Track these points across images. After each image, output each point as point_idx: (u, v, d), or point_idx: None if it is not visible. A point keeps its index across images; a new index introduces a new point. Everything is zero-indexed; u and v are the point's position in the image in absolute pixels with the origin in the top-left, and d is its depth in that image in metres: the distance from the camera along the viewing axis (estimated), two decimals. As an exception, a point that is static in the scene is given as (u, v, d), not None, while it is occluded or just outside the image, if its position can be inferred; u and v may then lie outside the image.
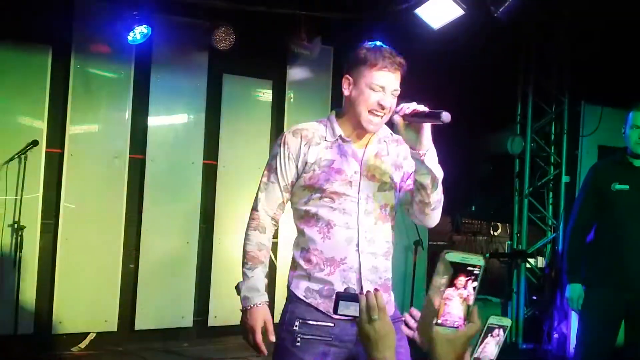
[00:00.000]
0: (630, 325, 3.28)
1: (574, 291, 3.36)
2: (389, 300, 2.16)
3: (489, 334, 1.37)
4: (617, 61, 5.30)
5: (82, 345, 4.93)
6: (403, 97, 2.10)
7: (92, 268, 4.95)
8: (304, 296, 2.11)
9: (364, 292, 2.03)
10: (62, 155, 4.89)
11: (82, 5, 4.91)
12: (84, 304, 4.91)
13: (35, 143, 4.61)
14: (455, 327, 1.27)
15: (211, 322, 5.46)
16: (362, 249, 2.10)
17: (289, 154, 2.15)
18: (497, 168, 6.46)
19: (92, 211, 4.96)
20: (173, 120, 5.37)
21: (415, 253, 5.70)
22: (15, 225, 4.59)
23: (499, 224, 7.20)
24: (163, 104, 5.29)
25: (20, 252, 4.55)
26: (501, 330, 1.38)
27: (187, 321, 5.37)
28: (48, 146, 4.85)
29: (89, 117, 5.01)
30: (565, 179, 6.09)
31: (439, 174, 2.04)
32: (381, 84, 2.07)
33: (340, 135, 2.14)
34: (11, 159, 4.60)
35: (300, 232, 2.18)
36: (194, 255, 5.40)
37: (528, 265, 6.14)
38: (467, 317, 1.27)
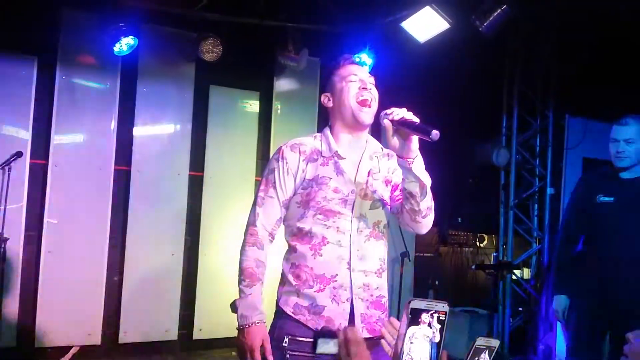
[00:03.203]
0: (615, 340, 3.26)
1: (559, 303, 3.37)
2: (382, 317, 2.13)
3: (475, 357, 1.35)
4: (602, 74, 5.37)
5: (66, 358, 4.87)
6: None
7: (76, 280, 4.89)
8: (293, 312, 2.09)
9: (356, 315, 2.05)
10: (46, 166, 4.85)
11: (68, 16, 4.89)
12: (67, 316, 4.85)
13: (19, 154, 4.55)
14: None
15: (196, 335, 5.41)
16: (353, 266, 2.09)
17: (287, 169, 2.15)
18: (482, 180, 6.50)
19: (76, 223, 4.91)
20: (159, 131, 5.35)
21: (402, 265, 5.70)
22: (-2, 237, 4.54)
23: (485, 235, 7.24)
24: (149, 115, 5.27)
25: (3, 263, 4.48)
26: (487, 352, 1.36)
27: (172, 334, 5.32)
28: (32, 157, 4.81)
29: (74, 128, 4.98)
30: (550, 190, 6.14)
31: (427, 181, 2.02)
32: (354, 73, 2.16)
33: (336, 152, 2.15)
34: (-6, 170, 4.56)
35: (292, 248, 2.16)
36: (179, 268, 5.36)
37: (514, 277, 6.17)
38: None
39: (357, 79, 2.16)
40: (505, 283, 6.09)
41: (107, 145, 5.07)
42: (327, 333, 1.38)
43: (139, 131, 5.22)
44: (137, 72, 5.18)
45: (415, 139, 1.92)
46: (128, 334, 5.11)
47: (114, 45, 4.70)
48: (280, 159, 2.17)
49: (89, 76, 5.00)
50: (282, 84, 5.85)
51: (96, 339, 4.98)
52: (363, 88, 2.13)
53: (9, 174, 4.52)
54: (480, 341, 1.35)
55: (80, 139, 5.02)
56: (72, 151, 4.96)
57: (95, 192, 5.01)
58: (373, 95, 2.15)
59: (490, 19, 4.57)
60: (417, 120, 1.92)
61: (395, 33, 4.83)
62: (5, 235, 4.51)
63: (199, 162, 5.48)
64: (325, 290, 2.07)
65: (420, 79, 5.64)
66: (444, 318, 1.26)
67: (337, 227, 2.09)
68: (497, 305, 6.03)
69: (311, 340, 2.03)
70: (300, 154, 2.16)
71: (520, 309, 6.20)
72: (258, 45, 5.36)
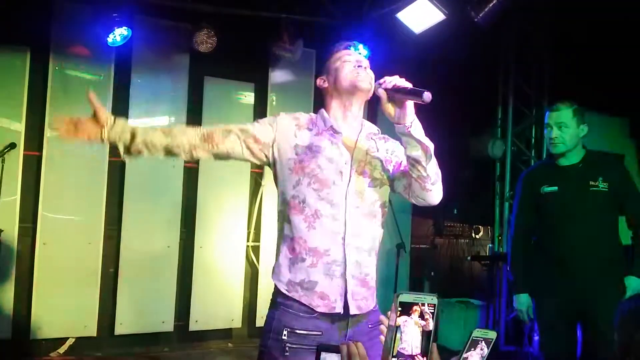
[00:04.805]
0: (584, 329, 3.22)
1: (521, 302, 3.31)
2: (366, 296, 2.13)
3: (472, 348, 1.35)
4: (597, 66, 5.37)
5: (61, 350, 4.88)
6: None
7: (72, 272, 4.89)
8: (286, 289, 2.08)
9: (348, 292, 2.05)
10: (40, 158, 4.83)
11: (61, 6, 4.85)
12: (63, 308, 4.85)
13: (12, 146, 4.54)
14: (413, 357, 1.27)
15: (192, 326, 5.42)
16: (347, 241, 2.07)
17: (276, 126, 2.14)
18: (478, 171, 6.51)
19: (71, 215, 4.90)
20: (154, 122, 5.32)
21: (398, 256, 5.72)
22: (-7, 229, 4.53)
23: (480, 227, 7.25)
24: (143, 107, 5.25)
25: (-2, 256, 4.49)
26: (484, 343, 1.35)
27: (168, 326, 5.32)
28: (26, 149, 4.80)
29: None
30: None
31: (429, 144, 2.01)
32: (348, 53, 2.19)
33: (331, 126, 2.14)
34: (-12, 162, 4.54)
35: (286, 219, 2.13)
36: (174, 260, 5.36)
37: (509, 268, 6.18)
38: (427, 354, 1.27)
39: (353, 59, 2.17)
40: (501, 274, 6.11)
41: (102, 137, 5.04)
42: (331, 348, 1.38)
43: (133, 123, 5.15)
44: (131, 63, 5.15)
45: (410, 104, 1.94)
46: (124, 325, 5.11)
47: (108, 36, 4.68)
48: (275, 117, 2.19)
49: (82, 67, 4.97)
50: (277, 75, 5.83)
51: (92, 330, 4.98)
52: (359, 66, 2.15)
53: (2, 166, 4.51)
54: (478, 332, 1.35)
55: (75, 131, 4.99)
56: (66, 143, 4.94)
57: (89, 184, 5.00)
58: (369, 74, 2.15)
59: (486, 9, 4.57)
60: (409, 85, 1.94)
61: (391, 24, 4.82)
62: (-1, 227, 4.51)
63: (194, 153, 5.45)
64: (318, 266, 2.05)
65: (415, 70, 5.61)
66: (433, 310, 1.26)
67: (332, 200, 2.06)
68: (493, 297, 6.05)
69: (310, 332, 2.03)
70: (294, 119, 2.17)
71: (515, 300, 6.21)
72: (253, 37, 5.34)
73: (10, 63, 4.75)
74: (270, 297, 2.16)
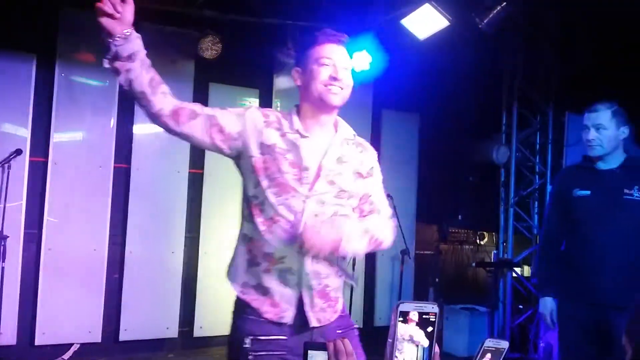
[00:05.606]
0: (601, 340, 3.07)
1: (545, 306, 3.21)
2: (324, 307, 2.03)
3: (483, 358, 1.34)
4: (602, 71, 5.36)
5: (66, 356, 4.88)
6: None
7: (76, 278, 4.90)
8: (241, 292, 2.01)
9: (305, 303, 1.98)
10: (46, 164, 4.85)
11: (67, 14, 4.89)
12: (67, 314, 4.86)
13: (18, 152, 4.56)
14: None
15: (197, 332, 5.42)
16: (304, 251, 1.94)
17: (244, 120, 1.99)
18: (483, 177, 6.50)
19: (76, 221, 4.92)
20: (158, 129, 5.31)
21: (402, 262, 5.71)
22: (-2, 235, 4.54)
23: (485, 233, 7.24)
24: (149, 113, 5.26)
25: (3, 262, 4.47)
26: (496, 354, 1.34)
27: (172, 332, 5.33)
28: (32, 155, 4.82)
29: (73, 126, 4.98)
30: (550, 188, 6.13)
31: (363, 251, 2.03)
32: (328, 56, 2.00)
33: (297, 130, 2.00)
34: (-6, 168, 4.56)
35: (245, 218, 2.05)
36: (179, 265, 5.37)
37: (514, 275, 6.17)
38: None
39: (332, 62, 2.00)
40: (506, 281, 6.09)
41: (107, 143, 5.07)
42: (317, 345, 1.37)
43: (138, 129, 5.21)
44: (136, 70, 5.17)
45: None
46: (128, 331, 5.12)
47: (113, 43, 4.69)
48: (245, 109, 2.04)
49: (88, 74, 5.00)
50: (282, 81, 5.85)
51: (96, 336, 4.99)
52: (333, 78, 1.98)
53: (8, 172, 4.52)
54: (490, 342, 1.34)
55: (80, 137, 5.02)
56: (72, 149, 4.96)
57: (94, 190, 5.01)
58: (345, 83, 2.00)
59: (491, 16, 4.57)
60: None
61: (395, 30, 4.82)
62: (5, 233, 4.51)
63: (199, 159, 5.48)
64: (272, 272, 1.97)
65: (420, 77, 5.64)
66: (434, 319, 1.26)
67: (290, 205, 1.95)
68: (498, 303, 6.03)
69: (275, 337, 1.96)
70: (264, 116, 2.02)
71: (521, 306, 6.19)
72: (257, 43, 5.36)
73: (16, 70, 4.78)
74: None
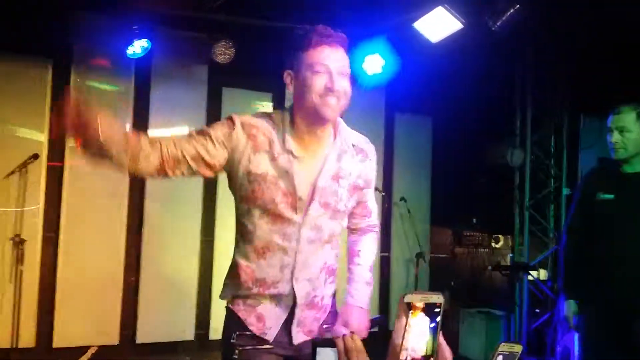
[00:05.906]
0: (625, 344, 3.03)
1: (569, 309, 3.17)
2: (315, 317, 2.01)
3: None
4: (616, 73, 5.32)
5: (84, 358, 4.91)
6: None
7: (93, 281, 4.95)
8: (230, 302, 2.00)
9: (294, 323, 1.94)
10: (62, 168, 4.91)
11: (82, 19, 4.93)
12: (85, 317, 4.91)
13: (35, 156, 4.62)
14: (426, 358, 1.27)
15: (212, 335, 5.44)
16: (296, 275, 1.91)
17: (230, 145, 1.85)
18: (497, 180, 6.46)
19: (93, 224, 4.97)
20: (173, 133, 5.39)
21: (417, 265, 5.69)
22: (16, 239, 4.58)
23: (500, 236, 7.18)
24: (163, 117, 5.31)
25: (21, 265, 4.54)
26: (511, 357, 1.33)
27: (189, 334, 5.36)
28: (49, 159, 4.89)
29: (90, 131, 5.02)
30: (565, 191, 6.07)
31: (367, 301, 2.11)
32: (323, 62, 1.80)
33: (290, 150, 1.85)
34: (12, 173, 4.60)
35: (239, 241, 1.99)
36: (195, 268, 5.40)
37: (530, 278, 6.12)
38: (434, 355, 1.27)
39: (326, 70, 1.80)
40: (522, 284, 6.04)
41: (123, 148, 5.11)
42: (326, 342, 1.37)
43: (153, 133, 5.25)
44: (150, 75, 5.23)
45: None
46: (145, 334, 5.16)
47: (128, 48, 4.75)
48: (229, 130, 1.86)
49: (103, 79, 5.06)
50: (295, 86, 5.86)
51: (114, 339, 5.04)
52: (329, 89, 1.79)
53: (26, 177, 4.59)
54: (504, 347, 1.33)
55: (96, 142, 5.06)
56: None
57: (111, 194, 5.07)
58: (341, 92, 1.82)
59: (504, 18, 4.55)
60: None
61: (408, 33, 4.82)
62: (23, 237, 4.57)
63: (214, 163, 5.49)
64: (264, 296, 1.94)
65: (432, 80, 5.63)
66: (439, 310, 1.25)
67: (284, 233, 1.87)
68: (514, 307, 5.99)
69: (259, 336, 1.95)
70: (250, 138, 1.85)
71: (537, 310, 6.14)
72: (270, 47, 5.37)
73: (33, 76, 4.85)
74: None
